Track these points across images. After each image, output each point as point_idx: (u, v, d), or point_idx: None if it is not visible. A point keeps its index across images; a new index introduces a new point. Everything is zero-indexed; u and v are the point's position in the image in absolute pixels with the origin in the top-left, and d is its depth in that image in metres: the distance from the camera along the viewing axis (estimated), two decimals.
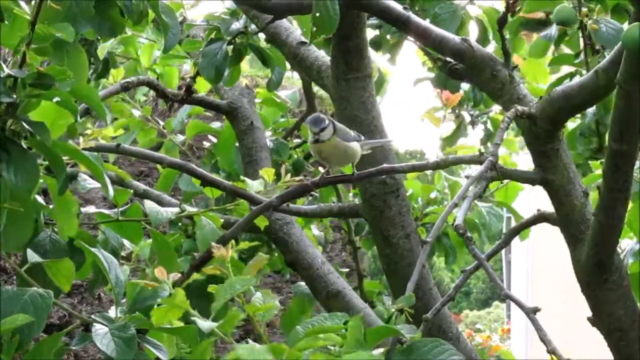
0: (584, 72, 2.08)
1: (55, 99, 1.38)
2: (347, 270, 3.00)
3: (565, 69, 2.23)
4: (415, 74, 2.88)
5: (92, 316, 1.40)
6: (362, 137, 1.92)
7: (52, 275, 1.48)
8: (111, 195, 1.47)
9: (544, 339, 1.27)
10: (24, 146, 1.37)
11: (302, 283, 2.71)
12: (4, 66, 1.35)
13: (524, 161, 2.82)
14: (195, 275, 1.80)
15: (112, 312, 1.43)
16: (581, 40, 2.09)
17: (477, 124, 3.03)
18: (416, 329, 1.31)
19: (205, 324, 1.20)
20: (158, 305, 1.37)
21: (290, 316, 1.79)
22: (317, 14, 1.75)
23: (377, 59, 2.71)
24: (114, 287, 1.44)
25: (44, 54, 1.45)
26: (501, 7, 2.52)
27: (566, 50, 2.18)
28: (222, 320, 1.22)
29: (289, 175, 1.92)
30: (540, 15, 2.08)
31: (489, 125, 3.02)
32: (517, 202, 2.91)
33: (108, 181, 1.46)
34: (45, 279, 1.48)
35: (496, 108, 3.01)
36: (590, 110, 2.08)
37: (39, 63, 1.40)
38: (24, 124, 1.36)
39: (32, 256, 1.48)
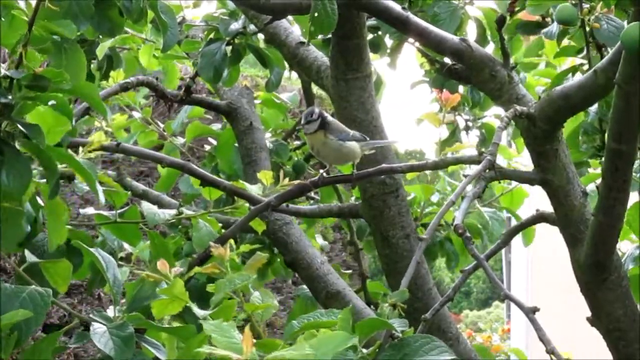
0: (585, 67, 2.08)
1: (51, 102, 1.38)
2: (350, 272, 2.99)
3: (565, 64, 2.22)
4: (412, 77, 2.88)
5: (91, 315, 1.40)
6: (367, 139, 1.93)
7: (49, 275, 1.48)
8: (102, 201, 1.48)
9: (542, 338, 1.27)
10: (17, 148, 1.37)
11: (306, 287, 2.69)
12: (1, 65, 1.35)
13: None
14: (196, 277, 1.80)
15: (110, 312, 1.43)
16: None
17: (472, 129, 3.02)
18: (408, 323, 1.30)
19: (201, 312, 1.19)
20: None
21: (293, 318, 1.78)
22: (316, 14, 1.75)
23: (374, 62, 2.70)
24: (112, 286, 1.44)
25: (45, 53, 1.44)
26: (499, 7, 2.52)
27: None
28: (217, 309, 1.21)
29: (287, 179, 1.92)
30: (536, 18, 2.07)
31: (484, 131, 3.01)
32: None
33: (100, 188, 1.47)
34: (43, 279, 1.48)
35: (490, 114, 3.00)
36: (593, 108, 2.07)
37: (39, 63, 1.40)
38: (19, 126, 1.35)
39: (30, 257, 1.48)
